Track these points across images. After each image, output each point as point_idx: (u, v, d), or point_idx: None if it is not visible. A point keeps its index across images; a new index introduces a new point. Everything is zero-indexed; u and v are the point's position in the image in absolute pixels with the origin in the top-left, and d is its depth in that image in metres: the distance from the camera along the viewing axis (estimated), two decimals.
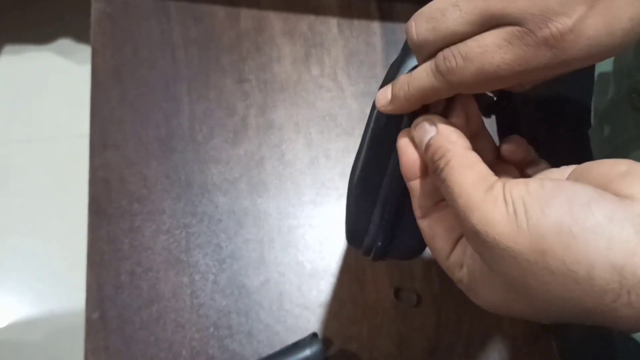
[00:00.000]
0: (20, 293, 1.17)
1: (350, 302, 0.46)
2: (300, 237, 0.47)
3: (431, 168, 0.25)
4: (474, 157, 0.24)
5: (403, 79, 0.27)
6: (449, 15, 0.24)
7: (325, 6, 0.52)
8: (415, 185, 0.27)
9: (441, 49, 0.25)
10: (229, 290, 0.46)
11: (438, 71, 0.25)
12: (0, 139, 1.28)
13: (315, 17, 0.52)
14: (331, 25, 0.52)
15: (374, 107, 0.30)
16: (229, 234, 0.47)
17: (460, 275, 0.25)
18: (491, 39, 0.23)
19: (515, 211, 0.21)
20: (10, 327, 1.15)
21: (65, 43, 1.34)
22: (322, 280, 0.46)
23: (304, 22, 0.52)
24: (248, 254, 0.47)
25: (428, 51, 0.25)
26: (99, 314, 0.45)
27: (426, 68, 0.26)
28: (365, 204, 0.31)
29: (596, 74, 0.43)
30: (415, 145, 0.27)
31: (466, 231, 0.23)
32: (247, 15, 0.52)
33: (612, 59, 0.41)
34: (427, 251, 0.46)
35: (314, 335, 0.43)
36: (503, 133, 0.45)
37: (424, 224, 0.27)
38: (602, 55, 0.22)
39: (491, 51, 0.23)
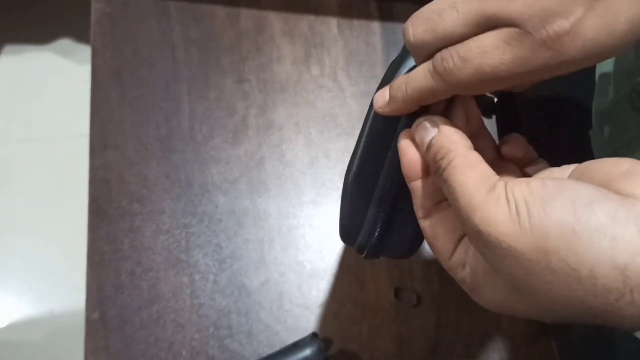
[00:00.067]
0: (20, 293, 1.17)
1: (350, 302, 0.46)
2: (300, 237, 0.47)
3: (433, 168, 0.25)
4: (476, 157, 0.24)
5: (401, 80, 0.27)
6: (447, 17, 0.24)
7: (325, 6, 0.52)
8: (416, 185, 0.27)
9: (439, 50, 0.25)
10: (229, 290, 0.46)
11: (436, 72, 0.25)
12: (0, 139, 1.28)
13: (315, 17, 0.52)
14: (331, 25, 0.52)
15: (371, 106, 0.30)
16: (229, 234, 0.47)
17: (463, 275, 0.25)
18: (489, 39, 0.23)
19: (517, 211, 0.21)
20: (10, 327, 1.15)
21: (65, 43, 1.34)
22: (322, 280, 0.46)
23: (304, 22, 0.52)
24: (248, 254, 0.47)
25: (426, 52, 0.25)
26: (99, 314, 0.45)
27: (424, 69, 0.26)
28: (360, 201, 0.32)
29: (597, 74, 0.43)
30: (416, 146, 0.27)
31: (468, 231, 0.23)
32: (247, 15, 0.52)
33: (612, 59, 0.41)
34: (427, 251, 0.47)
35: (314, 335, 0.43)
36: (503, 133, 0.45)
37: (425, 224, 0.27)
38: (601, 57, 0.22)
39: (489, 52, 0.23)
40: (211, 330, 0.45)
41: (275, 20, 0.52)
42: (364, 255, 0.32)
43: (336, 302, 0.46)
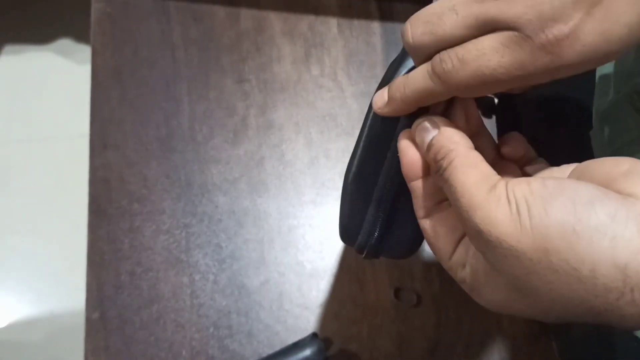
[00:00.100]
0: (20, 293, 1.17)
1: (350, 302, 0.46)
2: (300, 237, 0.47)
3: (434, 168, 0.25)
4: (477, 157, 0.24)
5: (399, 80, 0.27)
6: (446, 19, 0.24)
7: (325, 6, 0.52)
8: (416, 185, 0.27)
9: (438, 52, 0.25)
10: (229, 290, 0.46)
11: (434, 74, 0.25)
12: (0, 139, 1.28)
13: (315, 17, 0.52)
14: (331, 25, 0.52)
15: (371, 107, 0.30)
16: (229, 234, 0.47)
17: (463, 275, 0.25)
18: (488, 42, 0.23)
19: (518, 210, 0.21)
20: (10, 327, 1.15)
21: (65, 43, 1.34)
22: (322, 280, 0.46)
23: (304, 22, 0.52)
24: (248, 254, 0.47)
25: (424, 54, 0.25)
26: (99, 314, 0.45)
27: (423, 70, 0.26)
28: (360, 201, 0.32)
29: (597, 75, 0.43)
30: (416, 146, 0.27)
31: (469, 231, 0.23)
32: (247, 15, 0.52)
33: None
34: (427, 251, 0.47)
35: (314, 335, 0.43)
36: (503, 133, 0.45)
37: (425, 224, 0.27)
38: (599, 61, 0.23)
39: (488, 54, 0.23)
40: (211, 330, 0.45)
41: (275, 20, 0.52)
42: (363, 255, 0.32)
43: (336, 302, 0.46)
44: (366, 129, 0.31)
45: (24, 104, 1.30)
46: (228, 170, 0.48)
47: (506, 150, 0.29)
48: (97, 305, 0.45)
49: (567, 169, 0.26)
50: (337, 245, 0.47)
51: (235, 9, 0.52)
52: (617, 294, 0.19)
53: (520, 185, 0.22)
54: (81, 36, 1.34)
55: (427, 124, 0.26)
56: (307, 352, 0.41)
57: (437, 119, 0.27)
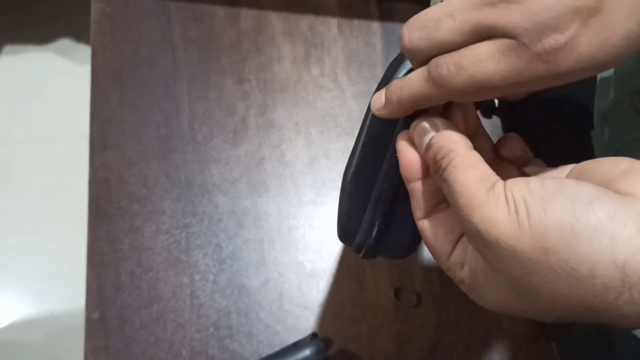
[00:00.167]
0: (20, 293, 1.18)
1: (350, 302, 0.46)
2: (300, 237, 0.47)
3: (433, 168, 0.25)
4: (476, 157, 0.24)
5: (396, 83, 0.27)
6: (443, 25, 0.24)
7: (325, 6, 0.52)
8: (415, 187, 0.27)
9: (434, 56, 0.25)
10: (229, 291, 0.46)
11: (430, 78, 0.25)
12: (0, 139, 1.28)
13: (315, 17, 0.52)
14: (331, 25, 0.52)
15: (369, 107, 0.30)
16: (229, 234, 0.47)
17: (462, 275, 0.25)
18: (485, 49, 0.23)
19: (516, 210, 0.21)
20: (10, 327, 1.15)
21: (65, 43, 1.34)
22: (322, 280, 0.46)
23: (304, 22, 0.52)
24: (248, 254, 0.47)
25: (421, 58, 0.26)
26: (99, 314, 0.45)
27: (419, 74, 0.26)
28: (359, 201, 0.32)
29: (598, 77, 0.43)
30: (415, 147, 0.27)
31: (468, 230, 0.23)
32: (247, 15, 0.52)
33: None
34: (428, 252, 0.46)
35: (314, 335, 0.43)
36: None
37: (423, 225, 0.27)
38: (595, 70, 0.23)
39: (484, 61, 0.23)
40: (211, 330, 0.45)
41: (275, 20, 0.52)
42: (361, 254, 0.32)
43: (336, 302, 0.46)
44: (365, 128, 0.31)
45: (24, 104, 1.30)
46: (228, 171, 0.48)
47: (504, 151, 0.29)
48: (97, 305, 0.45)
49: (565, 169, 0.26)
50: (337, 245, 0.47)
51: (235, 9, 0.52)
52: (615, 293, 0.19)
53: (518, 185, 0.22)
54: (81, 36, 1.34)
55: (425, 124, 0.26)
56: (307, 352, 0.41)
57: (435, 119, 0.27)
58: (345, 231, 0.33)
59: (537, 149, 0.30)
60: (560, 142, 0.44)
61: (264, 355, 0.44)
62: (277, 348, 0.44)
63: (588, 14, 0.21)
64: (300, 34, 0.51)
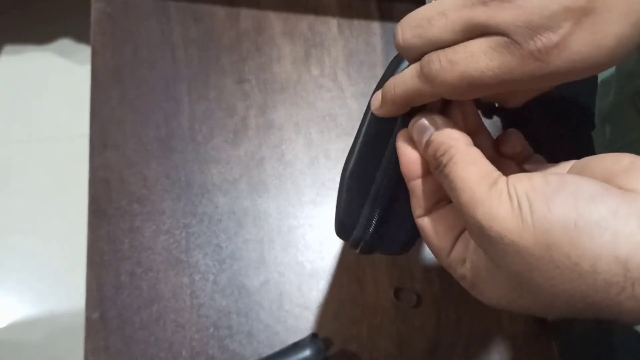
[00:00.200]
0: (20, 293, 1.18)
1: (350, 302, 0.46)
2: (300, 237, 0.47)
3: (433, 165, 0.25)
4: (477, 153, 0.24)
5: (390, 81, 0.27)
6: (436, 23, 0.24)
7: (325, 6, 0.52)
8: (415, 185, 0.27)
9: (427, 53, 0.25)
10: (229, 291, 0.46)
11: (422, 73, 0.25)
12: (0, 139, 1.28)
13: (315, 17, 0.52)
14: (331, 25, 0.52)
15: (369, 106, 0.30)
16: (229, 234, 0.47)
17: (463, 271, 0.25)
18: (477, 45, 0.23)
19: (519, 206, 0.21)
20: (10, 327, 1.15)
21: (65, 43, 1.34)
22: (322, 280, 0.46)
23: (304, 22, 0.52)
24: (248, 254, 0.47)
25: (414, 55, 0.26)
26: (99, 314, 0.45)
27: (412, 70, 0.26)
28: (357, 197, 0.32)
29: (599, 77, 0.43)
30: (414, 145, 0.27)
31: (470, 227, 0.23)
32: (247, 15, 0.52)
33: None
34: (428, 251, 0.46)
35: (314, 335, 0.43)
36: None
37: (424, 223, 0.27)
38: (588, 71, 0.23)
39: (476, 57, 0.23)
40: (211, 330, 0.45)
41: (275, 20, 0.52)
42: (358, 249, 0.32)
43: (336, 302, 0.46)
44: (364, 126, 0.31)
45: (24, 104, 1.30)
46: (228, 171, 0.48)
47: (505, 147, 0.29)
48: (97, 305, 0.45)
49: (566, 165, 0.26)
50: (337, 245, 0.47)
51: (235, 9, 0.52)
52: (617, 289, 0.19)
53: (521, 181, 0.22)
54: (81, 36, 1.34)
55: (424, 122, 0.26)
56: (307, 352, 0.41)
57: (434, 116, 0.27)
58: (342, 226, 0.33)
59: (538, 149, 0.30)
60: (560, 142, 0.44)
61: (264, 355, 0.44)
62: (277, 348, 0.44)
63: (581, 14, 0.21)
64: (300, 34, 0.51)
